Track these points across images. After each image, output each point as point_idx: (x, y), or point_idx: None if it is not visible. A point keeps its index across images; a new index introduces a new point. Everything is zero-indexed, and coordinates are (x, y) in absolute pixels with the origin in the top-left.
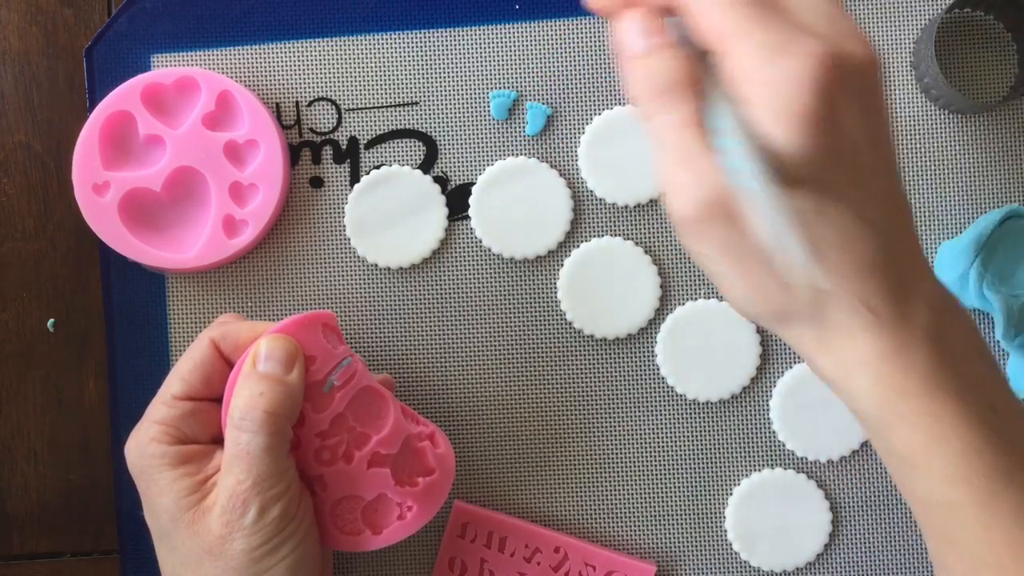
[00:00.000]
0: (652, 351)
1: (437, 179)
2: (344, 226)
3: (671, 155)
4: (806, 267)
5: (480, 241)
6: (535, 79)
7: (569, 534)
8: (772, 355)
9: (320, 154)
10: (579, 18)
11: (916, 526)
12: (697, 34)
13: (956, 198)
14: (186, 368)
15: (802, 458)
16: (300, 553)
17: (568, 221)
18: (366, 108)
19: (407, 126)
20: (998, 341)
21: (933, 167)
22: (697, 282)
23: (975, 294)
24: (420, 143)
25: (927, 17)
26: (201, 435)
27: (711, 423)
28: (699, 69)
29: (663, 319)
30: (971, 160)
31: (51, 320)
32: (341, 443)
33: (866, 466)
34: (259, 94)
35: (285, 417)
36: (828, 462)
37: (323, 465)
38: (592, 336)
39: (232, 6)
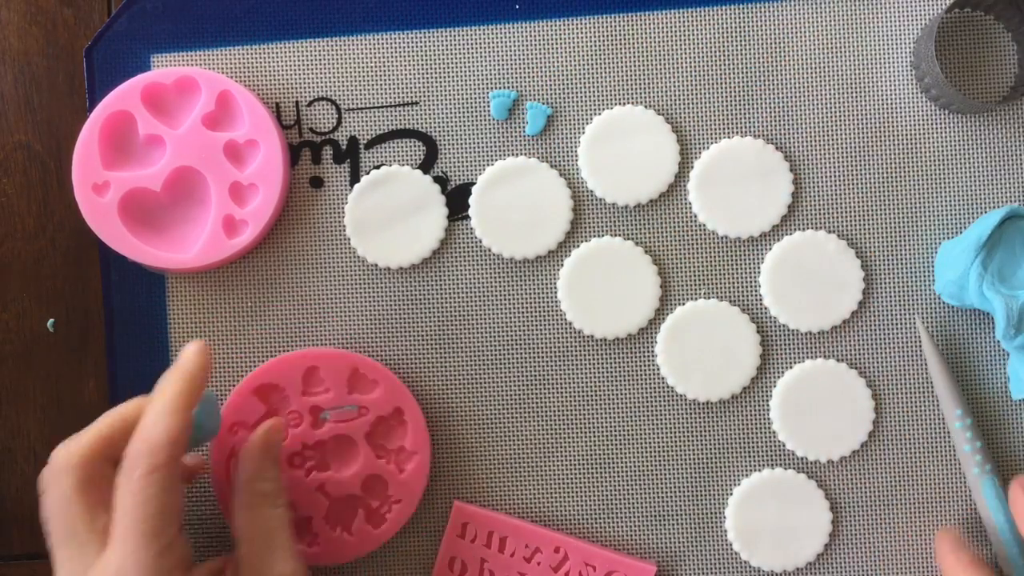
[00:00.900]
0: (652, 351)
1: (437, 179)
2: (344, 226)
3: None
4: None
5: (480, 241)
6: (535, 79)
7: (569, 534)
8: (772, 355)
9: (320, 154)
10: (579, 18)
11: (916, 526)
12: None
13: (956, 198)
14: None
15: (802, 458)
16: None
17: (568, 221)
18: (366, 108)
19: (407, 126)
20: (998, 341)
21: (933, 167)
22: (697, 282)
23: (975, 294)
24: (420, 143)
25: (927, 17)
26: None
27: (711, 423)
28: None
29: (663, 319)
30: (971, 160)
31: (51, 320)
32: (312, 458)
33: (866, 466)
34: (259, 94)
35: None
36: (828, 462)
37: (293, 468)
38: (592, 336)
39: (232, 6)
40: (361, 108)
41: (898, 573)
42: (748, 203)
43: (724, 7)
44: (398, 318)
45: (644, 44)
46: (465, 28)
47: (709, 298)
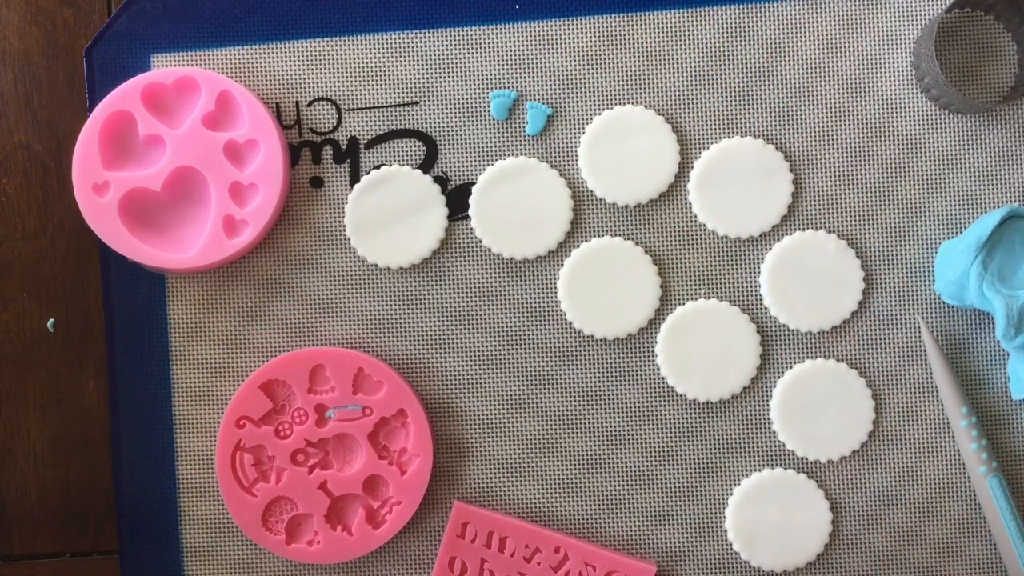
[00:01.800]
0: (652, 351)
1: (437, 179)
2: (344, 226)
3: None
4: None
5: (480, 241)
6: (535, 79)
7: (569, 534)
8: (772, 355)
9: (320, 154)
10: (579, 18)
11: (916, 526)
12: None
13: (956, 198)
14: None
15: (802, 458)
16: None
17: (568, 221)
18: (366, 108)
19: (407, 126)
20: (998, 341)
21: (933, 167)
22: (697, 282)
23: (975, 294)
24: (420, 143)
25: (927, 17)
26: None
27: (711, 423)
28: None
29: (663, 319)
30: (971, 160)
31: (51, 320)
32: (315, 456)
33: (866, 466)
34: (259, 94)
35: None
36: (828, 462)
37: (296, 464)
38: (592, 336)
39: (232, 6)
40: (361, 108)
41: (898, 573)
42: (748, 203)
43: (724, 7)
44: (398, 318)
45: (644, 44)
46: (465, 28)
47: (709, 298)
